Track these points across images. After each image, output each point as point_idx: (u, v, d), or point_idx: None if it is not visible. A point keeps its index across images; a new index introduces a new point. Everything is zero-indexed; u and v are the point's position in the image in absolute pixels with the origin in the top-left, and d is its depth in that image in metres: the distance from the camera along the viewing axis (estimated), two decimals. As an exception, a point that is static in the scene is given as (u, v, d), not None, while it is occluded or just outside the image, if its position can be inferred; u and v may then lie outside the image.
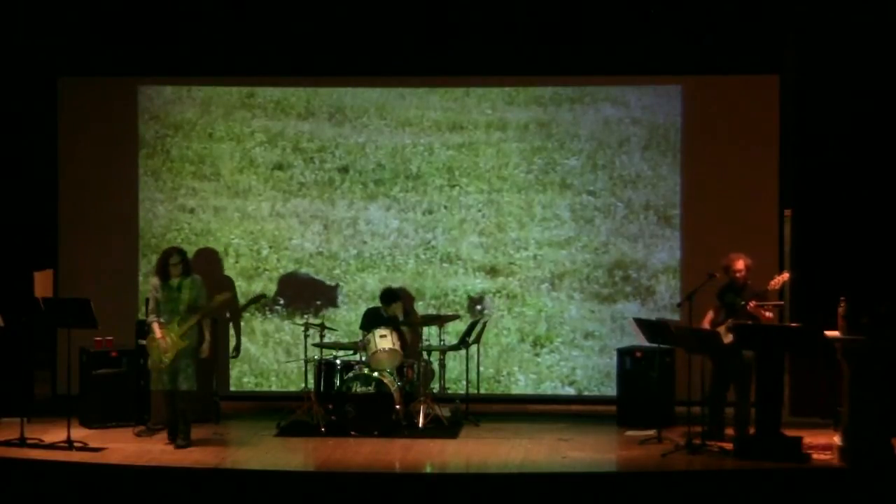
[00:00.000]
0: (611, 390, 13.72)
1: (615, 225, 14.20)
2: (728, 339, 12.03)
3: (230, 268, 14.42)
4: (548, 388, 14.31)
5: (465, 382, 13.62)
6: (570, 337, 14.25)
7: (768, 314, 12.20)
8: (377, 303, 13.73)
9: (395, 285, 13.92)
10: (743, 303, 12.19)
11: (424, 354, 13.33)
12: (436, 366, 13.37)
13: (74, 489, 11.02)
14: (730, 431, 12.31)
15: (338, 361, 13.06)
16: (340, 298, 14.32)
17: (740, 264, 12.39)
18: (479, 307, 13.97)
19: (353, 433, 12.52)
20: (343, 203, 14.36)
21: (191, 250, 14.06)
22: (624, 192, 14.23)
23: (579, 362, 14.24)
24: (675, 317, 13.49)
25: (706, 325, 12.41)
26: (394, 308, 13.40)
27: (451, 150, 14.32)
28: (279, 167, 14.45)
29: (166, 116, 14.52)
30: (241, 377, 14.45)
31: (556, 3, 13.95)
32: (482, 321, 13.74)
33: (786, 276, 12.42)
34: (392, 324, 13.17)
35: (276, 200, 14.39)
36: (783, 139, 13.97)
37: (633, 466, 11.64)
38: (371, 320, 13.32)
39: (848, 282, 12.43)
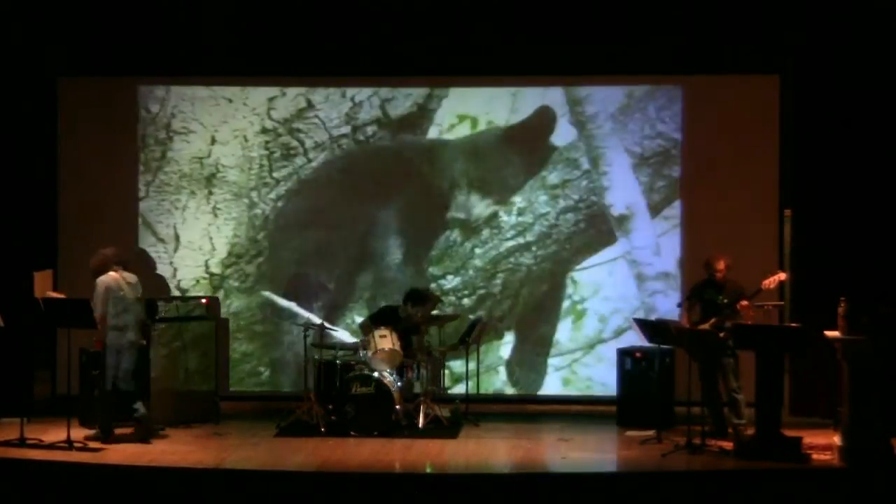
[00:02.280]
0: (611, 390, 13.72)
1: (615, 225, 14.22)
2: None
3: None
4: (548, 389, 14.31)
5: (465, 382, 13.63)
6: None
7: (751, 312, 12.23)
8: (377, 303, 13.74)
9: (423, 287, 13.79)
10: (726, 301, 12.23)
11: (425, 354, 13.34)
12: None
13: (74, 489, 11.02)
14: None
15: (338, 361, 13.06)
16: (340, 299, 14.30)
17: (721, 264, 12.44)
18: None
19: (353, 433, 12.52)
20: (344, 203, 14.34)
21: (191, 250, 14.11)
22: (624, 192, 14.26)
23: (580, 362, 14.24)
24: (676, 317, 13.47)
25: (685, 323, 12.44)
26: (418, 310, 13.31)
27: (456, 151, 14.23)
28: (280, 167, 14.41)
29: (166, 116, 14.52)
30: (242, 377, 14.45)
31: (557, 3, 13.95)
32: (483, 321, 13.75)
33: (782, 275, 12.41)
34: (395, 323, 13.13)
35: (277, 200, 14.37)
36: (783, 139, 13.97)
37: (633, 466, 11.64)
38: (382, 318, 13.24)
39: (848, 282, 12.43)
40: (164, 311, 13.25)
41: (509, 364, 14.09)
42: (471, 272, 14.09)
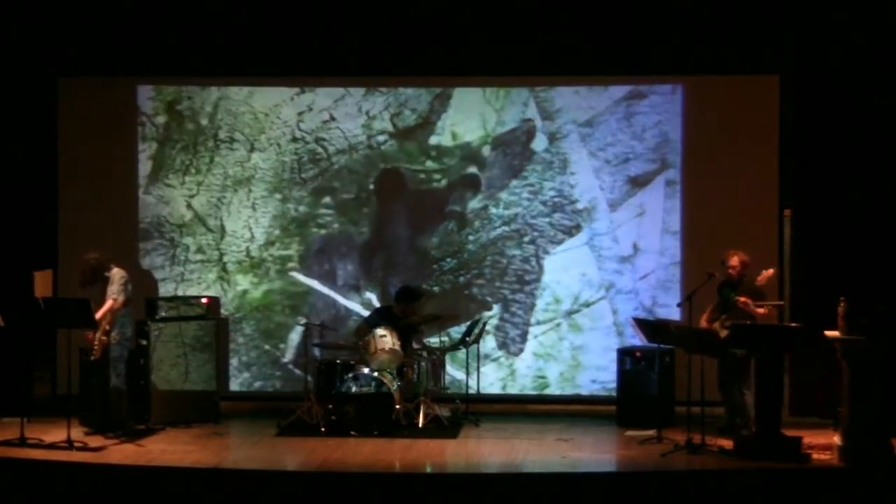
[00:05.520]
0: (611, 390, 13.72)
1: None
2: (722, 334, 12.04)
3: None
4: (547, 389, 14.33)
5: (465, 382, 13.63)
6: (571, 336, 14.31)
7: (760, 311, 12.20)
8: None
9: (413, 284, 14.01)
10: (736, 298, 12.22)
11: (424, 353, 13.34)
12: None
13: (74, 489, 11.02)
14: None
15: (338, 361, 13.06)
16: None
17: (734, 260, 12.41)
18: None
19: (353, 433, 12.52)
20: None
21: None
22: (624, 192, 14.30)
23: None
24: (676, 317, 13.48)
25: (704, 320, 12.43)
26: (410, 308, 13.34)
27: (453, 156, 14.51)
28: (282, 167, 14.52)
29: (166, 116, 14.55)
30: (242, 377, 14.47)
31: (557, 3, 13.95)
32: (482, 321, 13.76)
33: (771, 271, 12.34)
34: (393, 323, 13.13)
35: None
36: (783, 139, 13.97)
37: (633, 466, 11.63)
38: (379, 318, 13.28)
39: (848, 282, 12.43)
40: (165, 311, 13.25)
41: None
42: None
